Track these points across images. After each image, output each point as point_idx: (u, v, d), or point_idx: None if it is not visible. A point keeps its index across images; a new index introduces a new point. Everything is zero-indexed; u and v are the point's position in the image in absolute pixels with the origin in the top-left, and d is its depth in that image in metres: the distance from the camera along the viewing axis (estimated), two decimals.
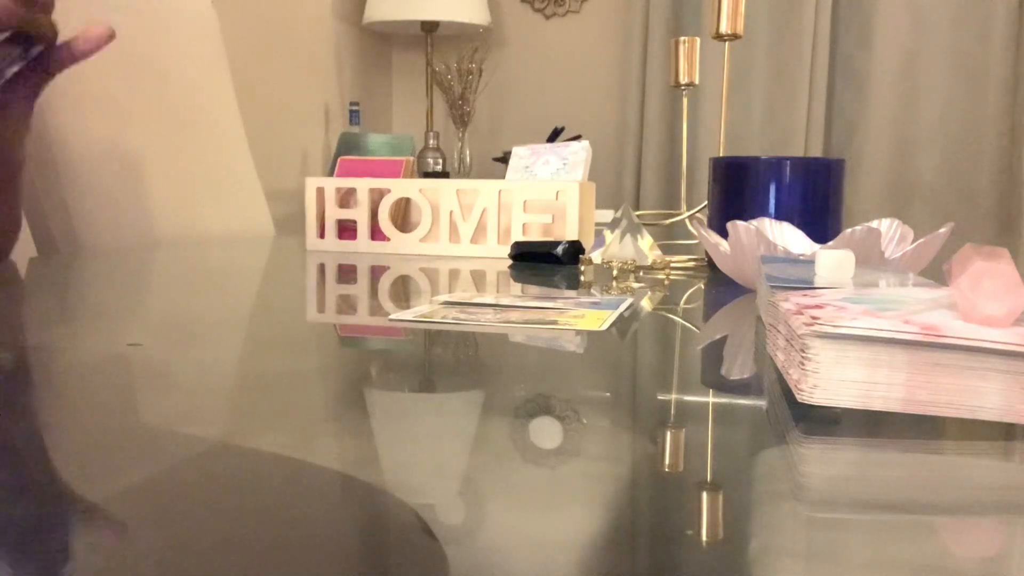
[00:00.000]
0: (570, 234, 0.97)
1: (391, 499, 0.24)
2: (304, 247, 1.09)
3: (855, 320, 0.31)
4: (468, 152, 2.90)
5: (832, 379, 0.32)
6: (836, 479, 0.26)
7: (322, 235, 1.06)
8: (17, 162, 0.81)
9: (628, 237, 0.86)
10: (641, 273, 0.83)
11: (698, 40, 1.14)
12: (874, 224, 0.72)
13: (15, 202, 0.85)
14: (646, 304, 0.62)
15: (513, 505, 0.24)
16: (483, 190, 1.00)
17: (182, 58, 1.36)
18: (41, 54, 0.76)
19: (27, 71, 0.76)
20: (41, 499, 0.24)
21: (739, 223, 0.66)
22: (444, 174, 2.71)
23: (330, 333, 0.50)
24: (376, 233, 1.05)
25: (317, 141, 2.71)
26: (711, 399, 0.36)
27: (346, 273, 0.82)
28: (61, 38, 0.76)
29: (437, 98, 3.08)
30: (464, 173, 2.87)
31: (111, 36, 0.76)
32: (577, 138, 2.62)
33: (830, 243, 0.66)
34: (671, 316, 0.58)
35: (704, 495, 0.25)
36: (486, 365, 0.42)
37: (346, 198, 1.07)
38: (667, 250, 1.06)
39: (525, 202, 0.99)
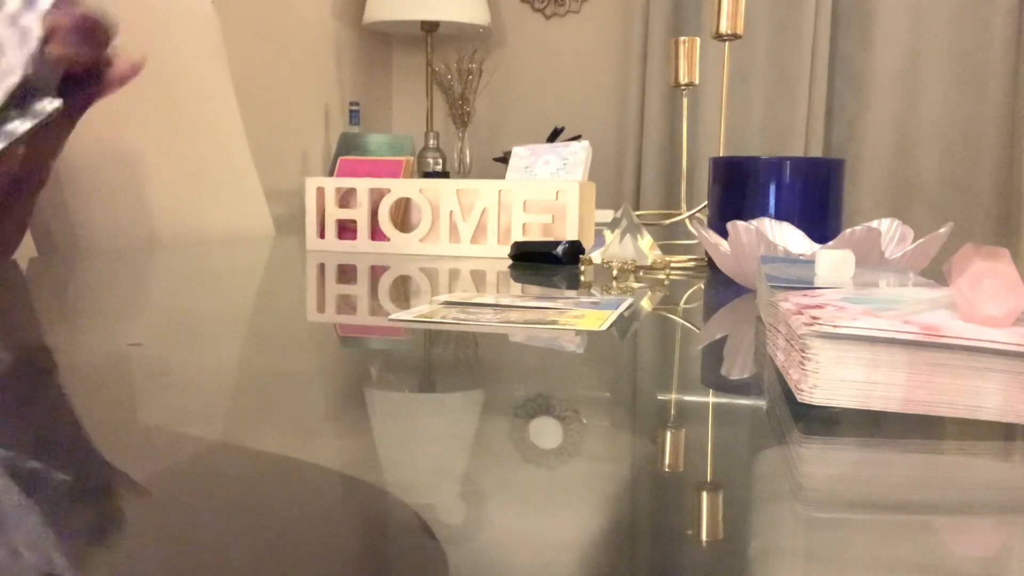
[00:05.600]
0: (570, 234, 0.97)
1: (391, 499, 0.24)
2: (304, 247, 1.09)
3: (855, 320, 0.31)
4: (468, 152, 2.90)
5: (832, 379, 0.32)
6: (836, 479, 0.26)
7: (322, 235, 1.06)
8: (42, 180, 0.82)
9: (628, 237, 0.86)
10: (641, 273, 0.83)
11: (698, 40, 1.14)
12: (874, 224, 0.72)
13: (27, 216, 0.85)
14: (646, 304, 0.62)
15: (513, 505, 0.24)
16: (483, 190, 1.00)
17: (182, 58, 1.36)
18: (87, 80, 0.75)
19: (75, 93, 0.76)
20: (41, 498, 0.24)
21: (739, 223, 0.66)
22: (444, 174, 2.70)
23: (330, 333, 0.50)
24: (376, 233, 1.05)
25: (317, 141, 2.71)
26: (711, 399, 0.36)
27: (346, 273, 0.82)
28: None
29: (437, 98, 3.08)
30: (464, 173, 2.87)
31: (138, 69, 0.76)
32: (577, 138, 2.62)
33: (830, 243, 0.66)
34: (671, 316, 0.58)
35: (704, 495, 0.25)
36: (486, 365, 0.42)
37: (346, 198, 1.07)
38: (667, 250, 1.06)
39: (525, 202, 0.99)
